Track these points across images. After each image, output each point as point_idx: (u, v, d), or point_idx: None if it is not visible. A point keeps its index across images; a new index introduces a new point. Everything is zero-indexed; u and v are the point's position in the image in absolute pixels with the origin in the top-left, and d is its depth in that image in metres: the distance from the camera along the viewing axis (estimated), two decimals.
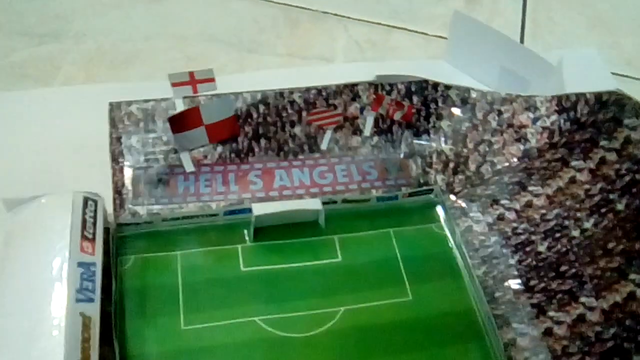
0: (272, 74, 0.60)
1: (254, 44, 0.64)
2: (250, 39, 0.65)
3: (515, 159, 0.50)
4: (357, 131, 0.52)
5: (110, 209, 0.46)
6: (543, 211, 0.47)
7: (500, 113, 0.51)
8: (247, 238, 0.48)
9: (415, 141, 0.52)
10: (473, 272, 0.46)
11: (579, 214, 0.45)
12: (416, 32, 0.65)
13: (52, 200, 0.42)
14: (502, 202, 0.48)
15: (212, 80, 0.48)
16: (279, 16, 0.67)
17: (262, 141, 0.51)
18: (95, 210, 0.43)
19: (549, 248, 0.45)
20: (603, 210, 0.44)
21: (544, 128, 0.49)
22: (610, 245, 0.43)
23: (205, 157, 0.50)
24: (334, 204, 0.49)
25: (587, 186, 0.46)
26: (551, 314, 0.43)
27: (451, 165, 0.51)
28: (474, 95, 0.52)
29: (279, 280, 0.45)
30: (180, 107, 0.49)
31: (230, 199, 0.48)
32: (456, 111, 0.52)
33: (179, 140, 0.48)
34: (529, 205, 0.47)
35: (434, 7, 0.69)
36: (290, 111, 0.51)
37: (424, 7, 0.69)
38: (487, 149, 0.51)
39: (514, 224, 0.47)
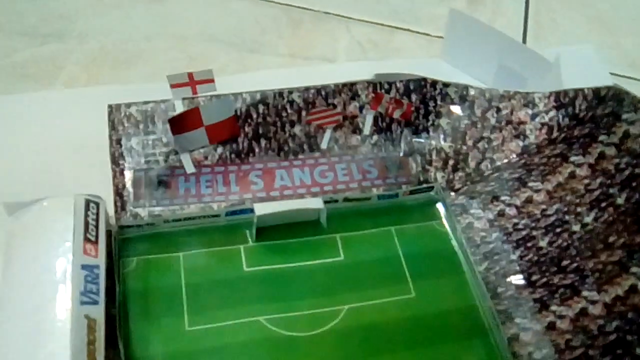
0: (272, 74, 0.60)
1: (255, 44, 0.64)
2: (252, 39, 0.65)
3: (514, 155, 0.50)
4: (356, 130, 0.52)
5: (111, 211, 0.46)
6: (543, 206, 0.47)
7: (498, 110, 0.51)
8: (249, 238, 0.48)
9: (415, 139, 0.52)
10: (475, 268, 0.46)
11: (579, 209, 0.45)
12: (418, 32, 0.65)
13: (54, 203, 0.42)
14: (503, 198, 0.49)
15: (211, 81, 0.48)
16: (280, 16, 0.67)
17: (262, 141, 0.51)
18: (97, 213, 0.43)
19: (550, 243, 0.45)
20: (603, 204, 0.45)
21: (542, 124, 0.50)
22: (611, 239, 0.43)
23: (206, 158, 0.50)
24: (335, 203, 0.49)
25: (586, 181, 0.46)
26: (554, 308, 0.43)
27: (451, 162, 0.51)
28: (472, 92, 0.52)
29: (282, 280, 0.45)
30: (179, 108, 0.49)
31: (232, 199, 0.48)
32: (455, 109, 0.52)
33: (179, 142, 0.48)
34: (529, 201, 0.48)
35: (436, 7, 0.69)
36: (289, 111, 0.51)
37: (425, 7, 0.69)
38: (487, 145, 0.51)
39: (515, 220, 0.48)
